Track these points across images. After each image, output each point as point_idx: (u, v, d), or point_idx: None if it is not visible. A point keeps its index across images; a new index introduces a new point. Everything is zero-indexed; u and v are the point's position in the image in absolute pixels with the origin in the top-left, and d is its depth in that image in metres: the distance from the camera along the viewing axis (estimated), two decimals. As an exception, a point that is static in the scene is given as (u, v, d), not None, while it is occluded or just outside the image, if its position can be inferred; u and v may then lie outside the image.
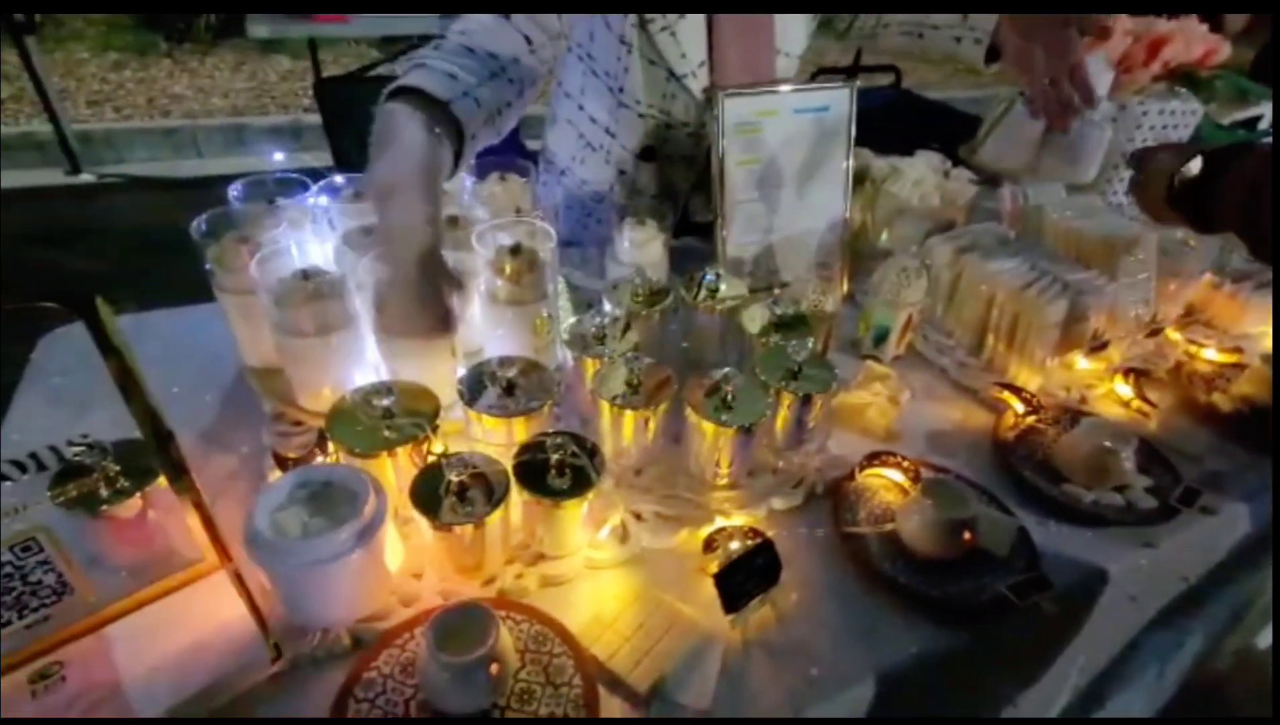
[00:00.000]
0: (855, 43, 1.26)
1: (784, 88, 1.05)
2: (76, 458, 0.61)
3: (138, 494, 0.64)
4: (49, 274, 2.64)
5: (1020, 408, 0.94)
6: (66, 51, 4.36)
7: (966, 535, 0.73)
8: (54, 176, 3.47)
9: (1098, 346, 0.98)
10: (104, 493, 0.63)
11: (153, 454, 0.54)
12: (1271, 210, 0.72)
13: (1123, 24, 1.26)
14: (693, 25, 1.04)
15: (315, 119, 3.80)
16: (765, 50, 1.10)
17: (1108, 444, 0.84)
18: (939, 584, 0.73)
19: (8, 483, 0.53)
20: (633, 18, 1.03)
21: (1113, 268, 1.00)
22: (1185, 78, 1.34)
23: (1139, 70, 1.27)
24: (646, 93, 1.11)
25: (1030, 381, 0.99)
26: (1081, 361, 1.00)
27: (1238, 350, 1.06)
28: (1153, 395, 1.00)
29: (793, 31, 1.13)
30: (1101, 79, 1.19)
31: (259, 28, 2.81)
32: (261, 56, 4.60)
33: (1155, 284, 1.04)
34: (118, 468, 0.64)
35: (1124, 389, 1.00)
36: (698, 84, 1.08)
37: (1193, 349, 1.07)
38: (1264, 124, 2.82)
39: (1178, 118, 1.30)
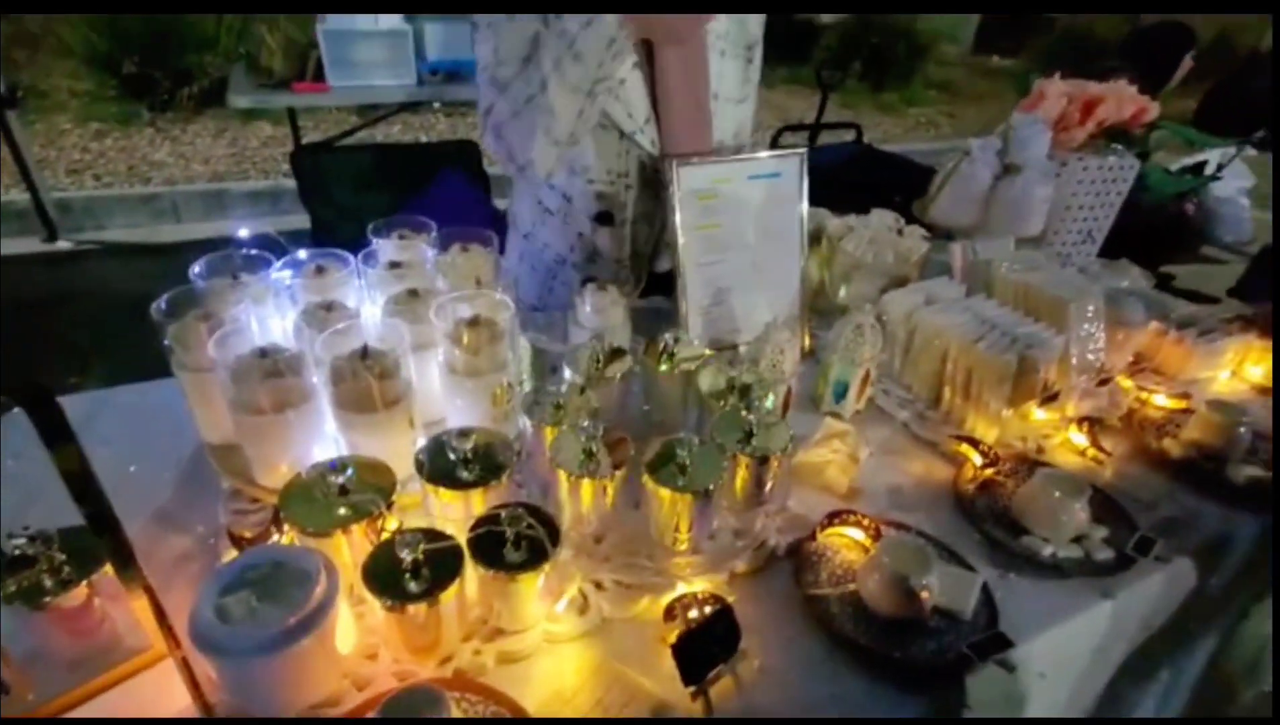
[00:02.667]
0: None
1: (736, 157, 1.10)
2: (21, 549, 0.60)
3: (84, 583, 0.63)
4: (15, 348, 2.61)
5: (978, 460, 0.96)
6: (49, 122, 4.42)
7: (925, 594, 0.73)
8: (30, 245, 3.47)
9: (1050, 397, 1.01)
10: (48, 583, 0.62)
11: (97, 541, 0.54)
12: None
13: (1057, 87, 1.33)
14: (634, 83, 1.09)
15: (295, 183, 3.87)
16: (704, 97, 1.14)
17: (1062, 495, 0.85)
18: (901, 645, 0.73)
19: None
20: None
21: (1061, 320, 1.04)
22: (1120, 135, 1.41)
23: (1075, 129, 1.34)
24: (599, 159, 1.15)
25: (988, 433, 1.01)
26: (1037, 412, 1.02)
27: (1186, 396, 1.09)
28: (1107, 443, 1.02)
29: (728, 77, 1.17)
30: (1040, 139, 1.26)
31: (240, 99, 2.87)
32: (243, 124, 4.69)
33: (1104, 334, 1.08)
34: (63, 556, 0.63)
35: (1079, 438, 1.03)
36: (647, 139, 1.13)
37: (1143, 396, 1.10)
38: (1209, 169, 2.96)
39: (1116, 171, 1.36)
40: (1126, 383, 1.12)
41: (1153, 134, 1.59)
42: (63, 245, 3.51)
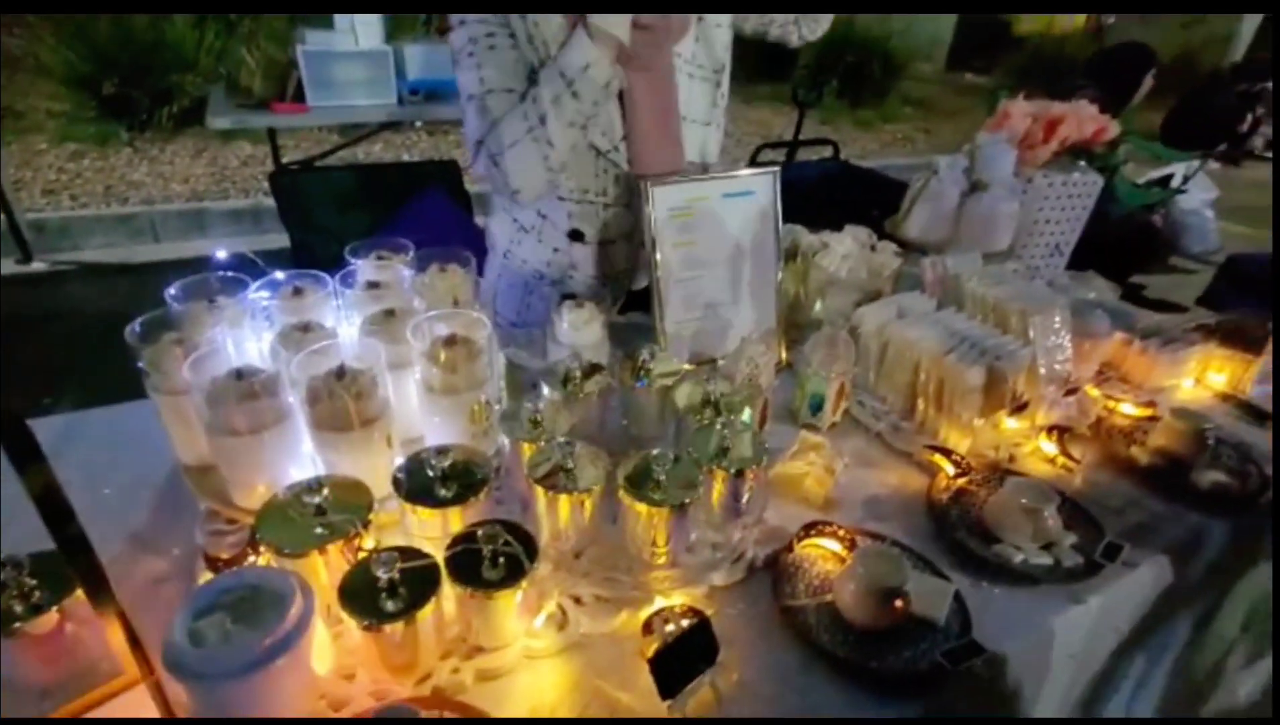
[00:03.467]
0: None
1: (709, 176, 1.12)
2: (-12, 575, 0.60)
3: (54, 608, 0.62)
4: (-10, 369, 2.57)
5: (951, 470, 0.98)
6: (25, 142, 4.38)
7: (899, 603, 0.75)
8: (4, 266, 3.42)
9: (1019, 406, 1.03)
10: (18, 609, 0.61)
11: (65, 565, 0.54)
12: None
13: (1021, 107, 1.37)
14: (610, 105, 1.12)
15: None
16: (672, 120, 1.18)
17: (1030, 503, 0.87)
18: (877, 654, 0.74)
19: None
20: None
21: (1026, 331, 1.06)
22: (1083, 152, 1.45)
23: (1039, 147, 1.38)
24: (577, 177, 1.17)
25: (960, 443, 1.03)
26: (1007, 421, 1.05)
27: (1151, 404, 1.12)
28: (1076, 451, 1.04)
29: (697, 100, 1.20)
30: (1005, 157, 1.29)
31: (219, 119, 2.87)
32: (223, 143, 4.67)
33: (1070, 344, 1.11)
34: (34, 582, 0.62)
35: (1048, 446, 1.05)
36: (622, 158, 1.16)
37: (1111, 404, 1.13)
38: (1175, 181, 3.04)
39: (1080, 187, 1.40)
40: (1094, 392, 1.14)
41: (1119, 148, 1.64)
42: (37, 266, 3.46)
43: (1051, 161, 1.44)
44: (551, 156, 1.09)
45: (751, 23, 1.25)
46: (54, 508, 0.53)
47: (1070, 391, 1.09)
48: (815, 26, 1.29)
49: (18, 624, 0.61)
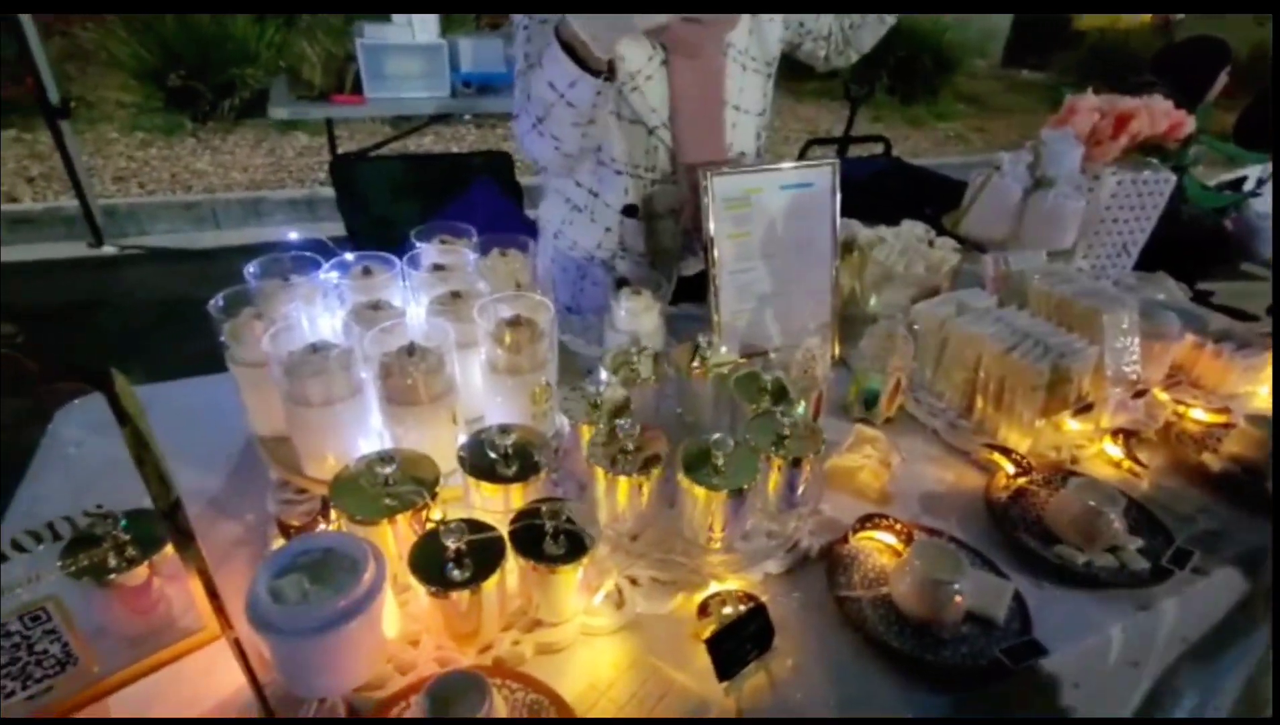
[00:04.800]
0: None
1: (770, 167, 1.11)
2: (89, 528, 0.63)
3: (145, 563, 0.66)
4: (68, 346, 2.71)
5: (1011, 469, 0.96)
6: (97, 132, 4.59)
7: (959, 598, 0.74)
8: (78, 249, 3.60)
9: (1083, 408, 1.00)
10: (113, 562, 0.65)
11: (160, 521, 0.57)
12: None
13: (1088, 102, 1.33)
14: (657, 82, 1.14)
15: (330, 192, 3.96)
16: (715, 103, 1.19)
17: (1096, 504, 0.85)
18: (933, 648, 0.73)
19: (24, 553, 0.55)
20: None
21: (1094, 331, 1.03)
22: (1154, 149, 1.40)
23: (1107, 143, 1.33)
24: (627, 151, 1.19)
25: (1020, 443, 1.00)
26: (1070, 422, 1.02)
27: (1225, 410, 1.08)
28: (1143, 455, 1.01)
29: (750, 90, 1.22)
30: (1071, 153, 1.26)
31: (279, 110, 2.96)
32: (281, 134, 4.83)
33: (1139, 346, 1.07)
34: (128, 537, 0.66)
35: (1114, 449, 1.02)
36: (668, 136, 1.18)
37: (1181, 409, 1.09)
38: (1249, 185, 2.91)
39: (1150, 186, 1.36)
40: (1163, 396, 1.11)
41: (1190, 148, 1.57)
42: (108, 250, 3.63)
43: (1120, 159, 1.39)
44: (562, 147, 1.10)
45: (786, 36, 1.26)
46: (153, 467, 0.56)
47: (1138, 394, 1.06)
48: (847, 53, 1.31)
49: (112, 575, 0.65)
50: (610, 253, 1.28)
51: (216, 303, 0.82)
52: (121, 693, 0.62)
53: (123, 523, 0.65)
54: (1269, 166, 2.66)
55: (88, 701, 0.61)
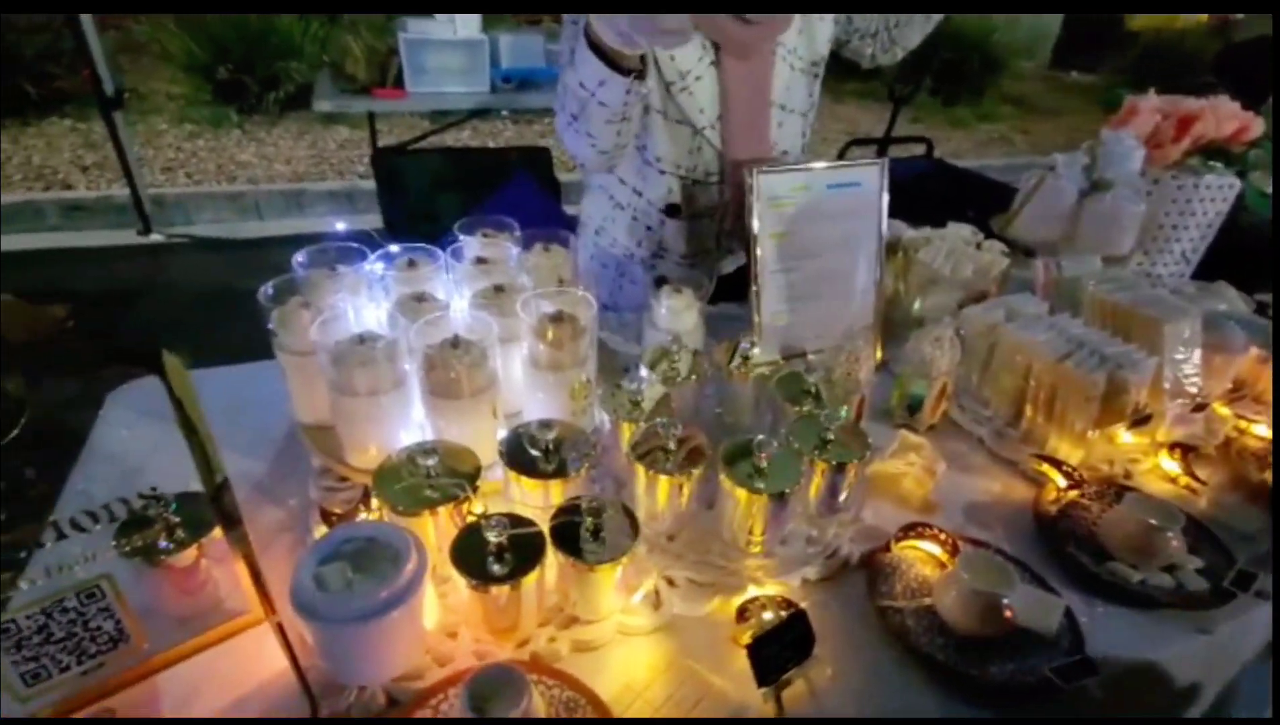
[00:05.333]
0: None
1: (817, 165, 1.09)
2: (142, 509, 0.64)
3: (194, 545, 0.67)
4: (116, 331, 2.80)
5: (1062, 481, 0.93)
6: (148, 123, 4.73)
7: (1008, 613, 0.72)
8: (127, 237, 3.71)
9: (1140, 420, 0.96)
10: (163, 543, 0.66)
11: (209, 503, 0.58)
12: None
13: (1150, 103, 1.28)
14: (707, 82, 1.13)
15: (369, 185, 4.03)
16: (763, 103, 1.18)
17: (1154, 522, 0.81)
18: (978, 663, 0.71)
19: (82, 532, 0.56)
20: (658, 83, 1.13)
21: (1154, 341, 0.99)
22: (1218, 153, 1.35)
23: (1169, 146, 1.28)
24: (672, 151, 1.19)
25: (1071, 454, 0.97)
26: (1124, 435, 0.99)
27: (1290, 426, 1.03)
28: (1201, 472, 0.97)
29: (796, 90, 1.21)
30: (1131, 156, 1.21)
31: (323, 103, 3.02)
32: (323, 127, 4.92)
33: (1200, 358, 1.03)
34: (178, 519, 0.67)
35: (1170, 464, 0.98)
36: (716, 136, 1.17)
37: (1243, 424, 1.05)
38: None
39: (1213, 191, 1.30)
40: (1223, 410, 1.06)
41: (1250, 153, 1.51)
42: (155, 238, 3.74)
43: (1180, 162, 1.34)
44: (597, 145, 1.09)
45: (835, 34, 1.24)
46: (202, 450, 0.57)
47: (1198, 408, 1.02)
48: (893, 51, 1.28)
49: (163, 556, 0.66)
50: (650, 251, 1.28)
51: (266, 291, 0.83)
52: (169, 671, 0.64)
53: (173, 505, 0.67)
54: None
55: (137, 678, 0.63)
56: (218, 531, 0.67)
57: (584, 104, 1.03)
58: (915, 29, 1.26)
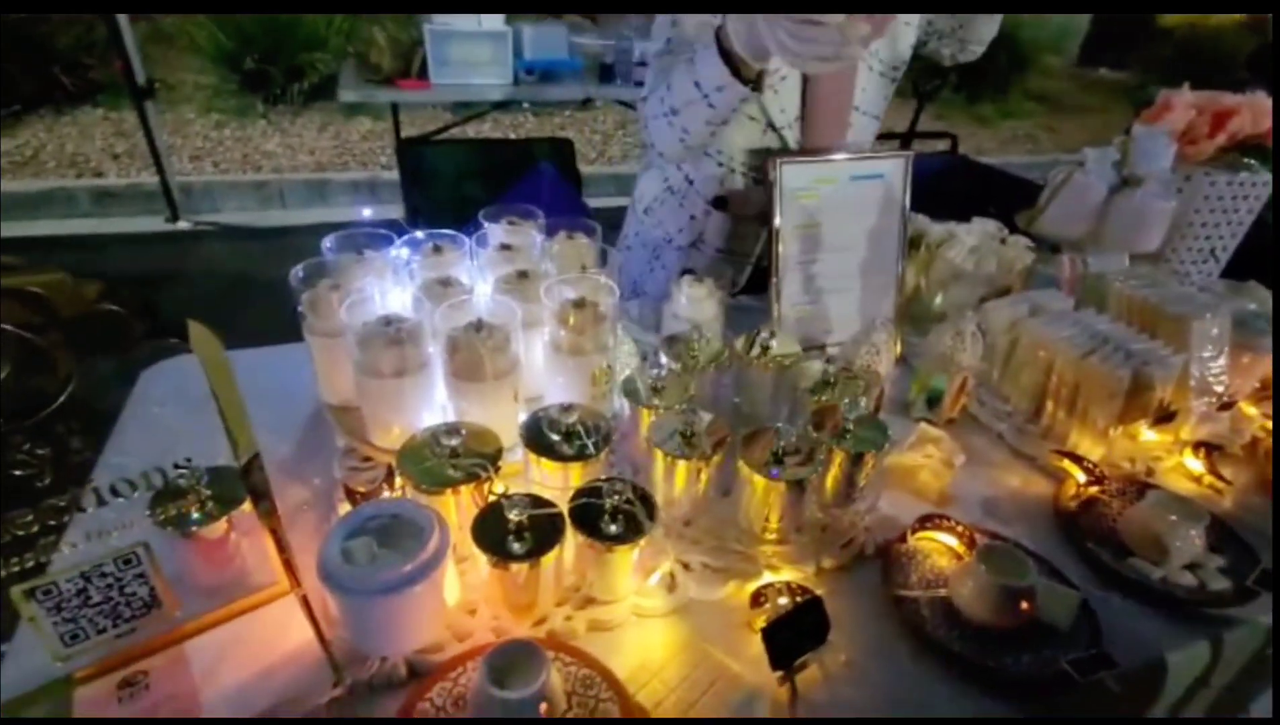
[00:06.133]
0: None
1: (840, 156, 1.09)
2: (177, 480, 0.66)
3: (224, 517, 0.69)
4: (148, 313, 2.85)
5: (1082, 477, 0.92)
6: (176, 113, 4.81)
7: (1024, 605, 0.71)
8: (155, 224, 3.79)
9: (1164, 418, 0.95)
10: (195, 514, 0.68)
11: (240, 476, 0.60)
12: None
13: (1185, 98, 1.26)
14: (793, 82, 1.14)
15: (391, 175, 4.07)
16: (846, 108, 1.19)
17: (1177, 519, 0.81)
18: (994, 654, 0.71)
19: (120, 499, 0.58)
20: None
21: (1179, 338, 0.98)
22: (1254, 149, 1.32)
23: (1203, 142, 1.26)
24: (736, 144, 1.20)
25: (1092, 451, 0.96)
26: (1147, 433, 0.97)
27: (1318, 428, 1.01)
28: (1226, 471, 0.96)
29: (871, 93, 1.22)
30: (1163, 151, 1.20)
31: (348, 93, 3.05)
32: (346, 118, 4.97)
33: (1228, 356, 1.01)
34: (209, 492, 0.69)
35: (1194, 463, 0.97)
36: (792, 136, 1.18)
37: (1269, 425, 1.03)
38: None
39: (1246, 189, 1.28)
40: (1251, 410, 1.04)
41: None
42: (183, 225, 3.81)
43: (1214, 159, 1.32)
44: (688, 141, 1.11)
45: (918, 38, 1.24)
46: (235, 421, 0.59)
47: (1224, 407, 1.00)
48: (969, 49, 1.26)
49: (194, 527, 0.68)
50: (690, 240, 1.29)
51: (297, 273, 0.85)
52: (198, 639, 0.66)
53: (205, 478, 0.69)
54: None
55: (168, 644, 0.65)
56: (247, 505, 0.69)
57: (689, 103, 1.04)
58: (979, 26, 1.23)
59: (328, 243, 0.92)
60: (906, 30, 1.19)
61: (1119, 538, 0.85)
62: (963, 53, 1.28)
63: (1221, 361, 1.00)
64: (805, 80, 1.14)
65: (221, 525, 0.69)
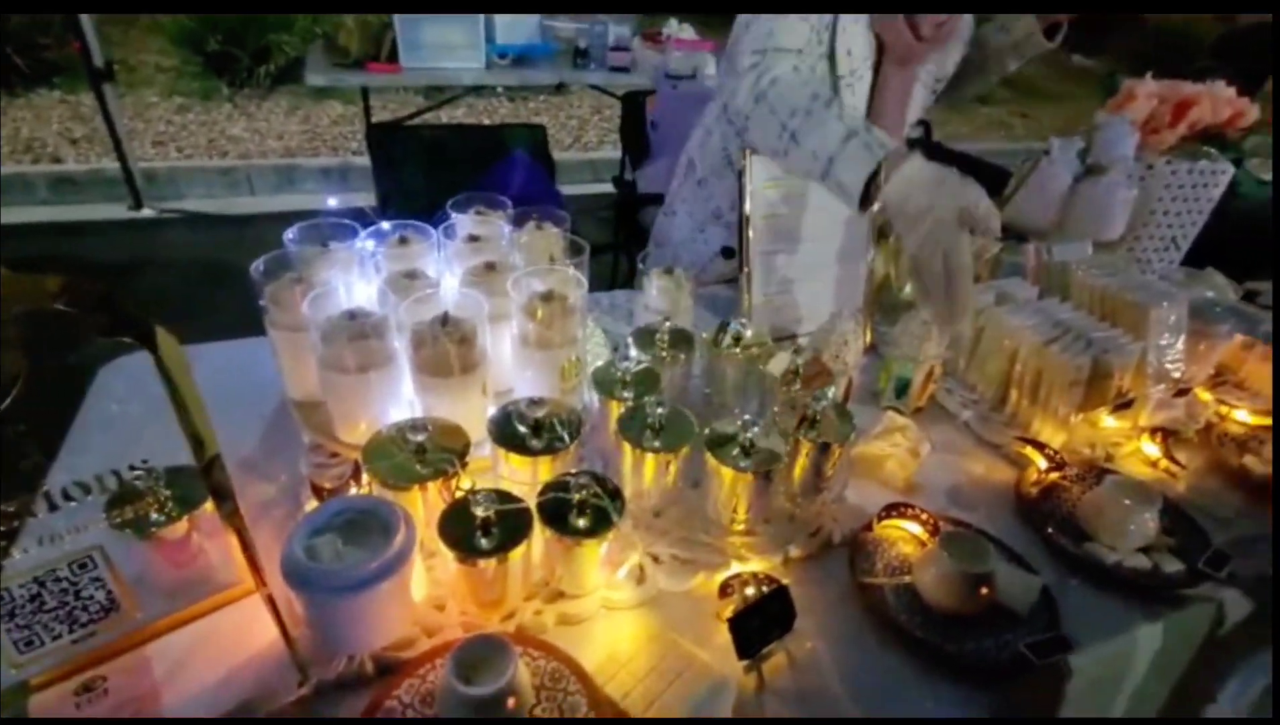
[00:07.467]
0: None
1: (810, 146, 1.09)
2: (134, 482, 0.65)
3: (185, 518, 0.68)
4: (109, 307, 2.78)
5: (1043, 463, 0.94)
6: (138, 95, 4.66)
7: (985, 590, 0.73)
8: (118, 211, 3.68)
9: (1123, 404, 0.98)
10: (154, 516, 0.67)
11: (200, 477, 0.59)
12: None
13: (1147, 87, 1.28)
14: (863, 85, 1.17)
15: (362, 161, 3.99)
16: (900, 112, 1.22)
17: (1132, 503, 0.83)
18: (956, 640, 0.73)
19: (72, 503, 0.57)
20: (831, 76, 1.15)
21: (1139, 326, 1.00)
22: (1214, 139, 1.35)
23: (1165, 131, 1.28)
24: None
25: (1054, 438, 0.99)
26: (1107, 419, 1.00)
27: (1270, 413, 1.04)
28: (1181, 456, 0.99)
29: (916, 104, 1.26)
30: (1126, 140, 1.21)
31: (316, 77, 2.97)
32: (315, 102, 4.85)
33: (1185, 343, 1.04)
34: (168, 492, 0.68)
35: (1151, 448, 0.99)
36: None
37: (1224, 410, 1.06)
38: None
39: (1206, 177, 1.30)
40: (1205, 396, 1.07)
41: (1248, 140, 1.51)
42: (147, 213, 3.70)
43: (1176, 147, 1.34)
44: (774, 157, 1.05)
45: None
46: (193, 424, 0.58)
47: (1180, 393, 1.03)
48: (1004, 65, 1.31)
49: (154, 528, 0.67)
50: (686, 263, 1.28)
51: (257, 267, 0.83)
52: (160, 642, 0.65)
53: (164, 478, 0.67)
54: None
55: (128, 647, 0.64)
56: (209, 505, 0.68)
57: (804, 151, 0.97)
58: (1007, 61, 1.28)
59: (290, 234, 0.90)
60: (957, 46, 1.23)
61: (1077, 522, 0.87)
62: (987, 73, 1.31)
63: (1178, 348, 1.02)
64: (874, 84, 1.17)
65: (182, 526, 0.68)
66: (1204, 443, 1.03)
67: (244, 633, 0.67)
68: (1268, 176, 2.46)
